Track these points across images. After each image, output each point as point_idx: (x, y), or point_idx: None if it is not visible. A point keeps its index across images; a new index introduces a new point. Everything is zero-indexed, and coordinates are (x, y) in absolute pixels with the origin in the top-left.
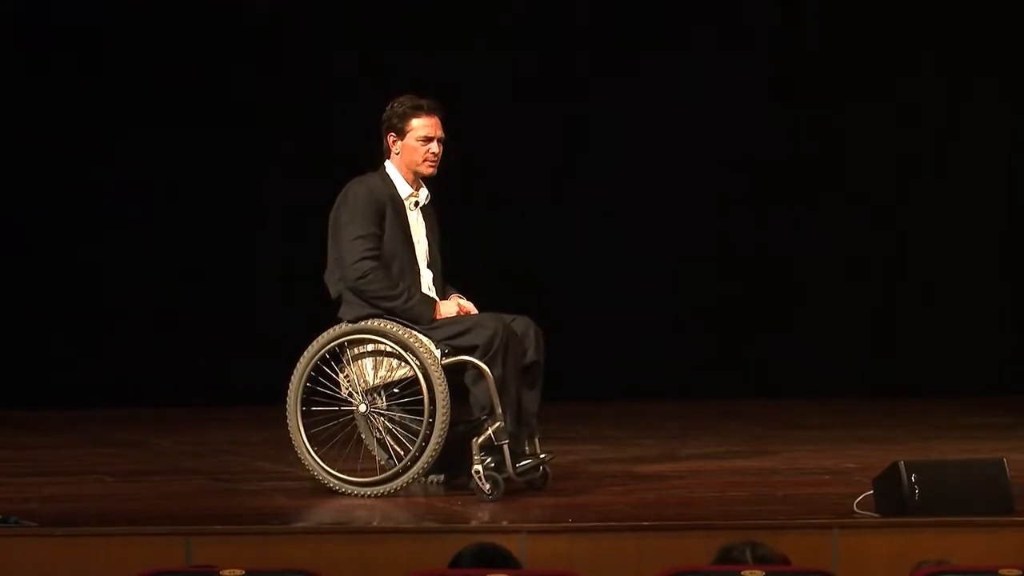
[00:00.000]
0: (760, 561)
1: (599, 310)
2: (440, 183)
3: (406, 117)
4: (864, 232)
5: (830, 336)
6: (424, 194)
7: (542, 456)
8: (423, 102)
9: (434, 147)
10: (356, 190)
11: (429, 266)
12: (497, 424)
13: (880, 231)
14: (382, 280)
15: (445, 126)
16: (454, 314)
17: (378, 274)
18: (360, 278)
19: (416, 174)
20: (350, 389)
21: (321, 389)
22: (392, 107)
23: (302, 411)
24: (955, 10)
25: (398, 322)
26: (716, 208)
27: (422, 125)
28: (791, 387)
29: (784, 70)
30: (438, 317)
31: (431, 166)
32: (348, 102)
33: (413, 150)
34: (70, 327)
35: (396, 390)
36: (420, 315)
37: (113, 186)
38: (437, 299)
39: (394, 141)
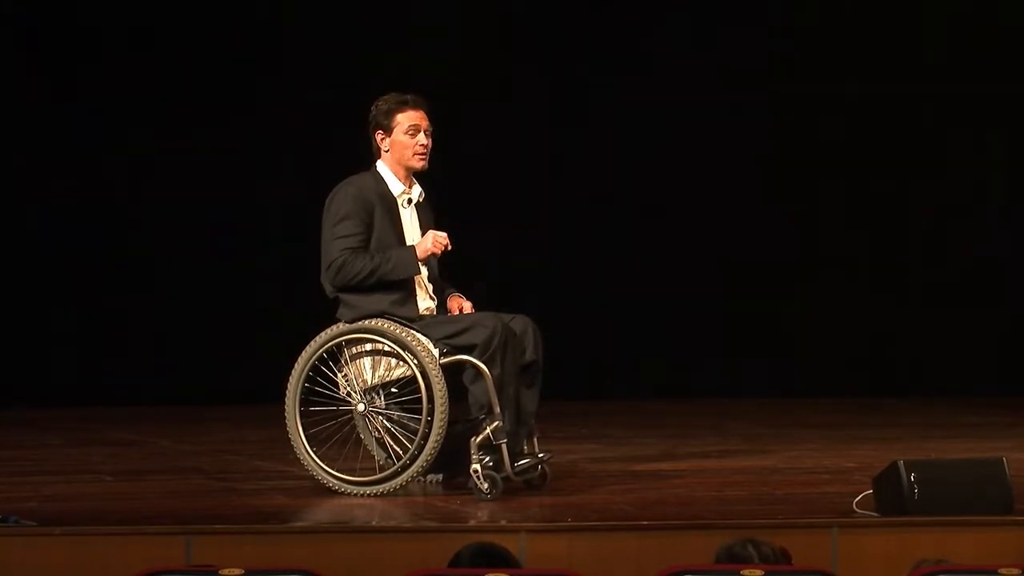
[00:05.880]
0: (765, 557)
1: (598, 309)
2: (438, 182)
3: (391, 113)
4: (864, 231)
5: (832, 336)
6: (417, 191)
7: (540, 455)
8: (407, 96)
9: (422, 138)
10: (344, 192)
11: (425, 264)
12: (495, 423)
13: (881, 230)
14: (355, 261)
15: (432, 119)
16: (430, 247)
17: (350, 257)
18: (337, 273)
19: (408, 169)
20: (348, 389)
21: (320, 389)
22: (377, 106)
23: (301, 411)
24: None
25: (396, 321)
26: (716, 207)
27: (408, 117)
28: (791, 387)
29: (783, 68)
30: (421, 256)
31: (421, 159)
32: (348, 102)
33: (402, 144)
34: (70, 326)
35: (394, 389)
36: (405, 264)
37: (113, 186)
38: (414, 246)
39: (383, 138)
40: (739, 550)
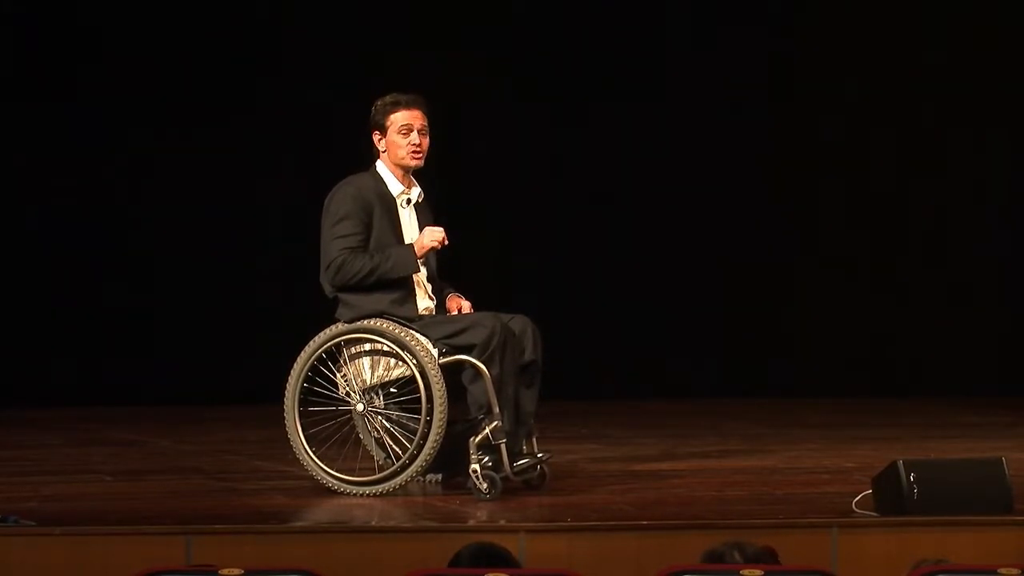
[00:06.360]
0: (750, 559)
1: (598, 309)
2: (438, 181)
3: (386, 113)
4: (864, 231)
5: (832, 336)
6: (416, 191)
7: (539, 455)
8: (402, 96)
9: (415, 137)
10: (343, 192)
11: (424, 263)
12: (494, 423)
13: (881, 230)
14: (354, 260)
15: (429, 119)
16: (427, 243)
17: (349, 256)
18: (336, 273)
19: (404, 169)
20: (347, 389)
21: (319, 389)
22: (375, 106)
23: (300, 411)
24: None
25: (395, 321)
26: (716, 207)
27: (401, 117)
28: (791, 387)
29: (783, 68)
30: (420, 254)
31: (415, 157)
32: (348, 102)
33: (396, 144)
34: (71, 326)
35: (393, 389)
36: (405, 262)
37: (113, 186)
38: (412, 244)
39: (379, 138)
40: (726, 554)
